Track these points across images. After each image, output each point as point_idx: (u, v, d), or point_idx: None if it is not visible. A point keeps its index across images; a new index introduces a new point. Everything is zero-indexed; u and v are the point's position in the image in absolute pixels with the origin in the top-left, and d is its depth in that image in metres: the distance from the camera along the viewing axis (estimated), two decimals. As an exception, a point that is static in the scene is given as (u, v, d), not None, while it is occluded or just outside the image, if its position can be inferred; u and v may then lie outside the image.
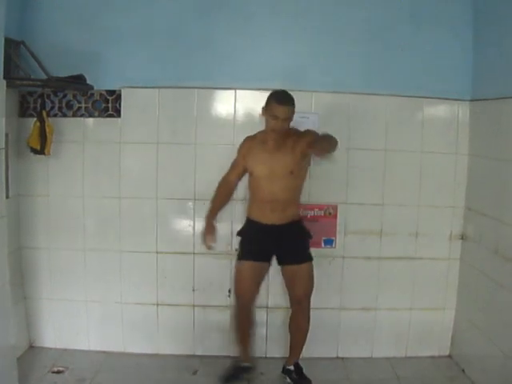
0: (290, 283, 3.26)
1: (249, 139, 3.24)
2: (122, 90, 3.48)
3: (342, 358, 3.68)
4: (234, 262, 3.32)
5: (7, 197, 3.07)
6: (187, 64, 3.48)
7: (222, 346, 3.59)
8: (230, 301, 3.51)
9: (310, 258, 3.22)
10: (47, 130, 3.28)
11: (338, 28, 3.48)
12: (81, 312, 3.64)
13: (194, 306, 3.62)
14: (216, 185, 3.26)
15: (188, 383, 3.35)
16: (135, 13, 3.44)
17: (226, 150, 3.41)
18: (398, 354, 3.70)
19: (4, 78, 2.83)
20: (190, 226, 3.56)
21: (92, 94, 3.50)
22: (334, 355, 3.68)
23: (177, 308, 3.63)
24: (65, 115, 3.51)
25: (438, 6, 3.50)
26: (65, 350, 3.63)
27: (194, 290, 3.61)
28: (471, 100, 3.53)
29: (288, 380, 3.33)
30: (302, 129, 3.18)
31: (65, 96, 3.50)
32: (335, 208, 3.58)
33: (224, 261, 3.53)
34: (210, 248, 3.20)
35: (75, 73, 3.32)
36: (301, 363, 3.33)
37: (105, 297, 3.63)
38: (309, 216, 3.55)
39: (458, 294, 3.65)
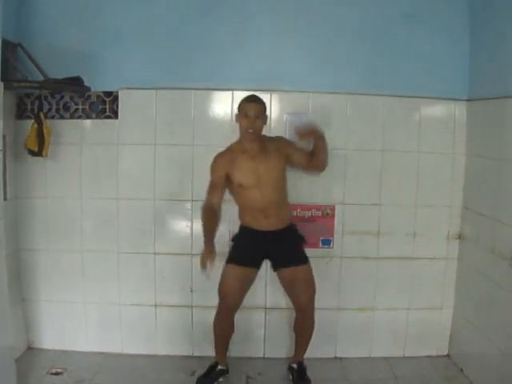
0: (290, 289, 3.26)
1: (221, 156, 3.15)
2: (120, 92, 3.49)
3: (340, 358, 3.68)
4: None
5: (5, 199, 3.08)
6: (184, 65, 3.48)
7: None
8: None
9: (307, 260, 3.22)
10: (45, 131, 3.27)
11: (335, 29, 3.48)
12: (79, 313, 3.64)
13: (192, 306, 3.62)
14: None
15: (186, 384, 3.36)
16: (132, 15, 3.45)
17: (223, 151, 3.42)
18: (396, 353, 3.70)
19: (1, 80, 2.85)
20: (187, 226, 3.57)
21: (89, 96, 3.50)
22: (332, 355, 3.69)
23: (175, 309, 3.63)
24: (62, 117, 3.51)
25: (435, 6, 3.50)
26: (63, 351, 3.63)
27: (191, 291, 3.61)
28: (468, 100, 3.53)
29: (290, 377, 3.36)
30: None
31: (62, 98, 3.51)
32: (333, 208, 3.59)
33: (222, 262, 3.51)
34: (207, 274, 3.01)
35: (72, 74, 3.33)
36: (306, 363, 3.34)
37: (103, 298, 3.63)
38: (306, 216, 3.55)
39: (455, 293, 3.65)
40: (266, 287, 3.57)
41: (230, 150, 3.18)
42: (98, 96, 3.50)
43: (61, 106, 3.51)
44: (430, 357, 3.70)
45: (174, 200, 3.56)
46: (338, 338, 3.68)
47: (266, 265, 3.35)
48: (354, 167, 3.56)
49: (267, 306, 3.63)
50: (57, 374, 3.38)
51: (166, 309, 3.63)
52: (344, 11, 3.47)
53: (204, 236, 3.07)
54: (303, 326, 3.28)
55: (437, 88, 3.53)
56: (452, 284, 3.65)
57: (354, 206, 3.59)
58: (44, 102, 3.45)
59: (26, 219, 3.56)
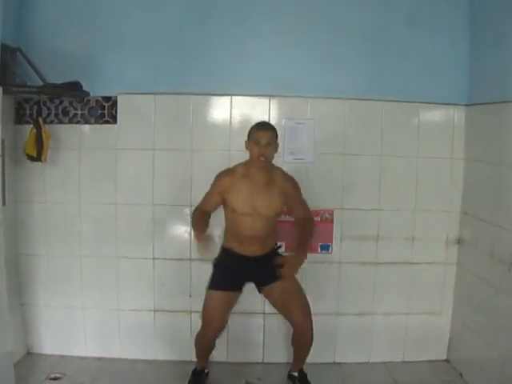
0: (281, 306, 3.22)
1: (227, 175, 3.12)
2: (118, 97, 3.49)
3: (339, 363, 3.67)
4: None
5: (4, 204, 3.08)
6: (183, 70, 3.49)
7: (218, 351, 3.57)
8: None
9: (292, 277, 3.16)
10: (44, 136, 3.27)
11: (334, 34, 3.49)
12: (78, 318, 3.63)
13: (190, 311, 3.61)
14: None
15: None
16: (131, 20, 3.46)
17: (222, 156, 3.43)
18: (395, 358, 3.70)
19: (0, 84, 2.84)
20: (186, 232, 3.56)
21: (88, 101, 3.50)
22: (331, 360, 3.68)
23: (173, 314, 3.63)
24: (61, 122, 3.51)
25: (435, 10, 3.51)
26: (62, 356, 3.63)
27: (190, 296, 3.60)
28: (467, 105, 3.53)
29: None
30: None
31: (61, 103, 3.51)
32: (331, 213, 3.59)
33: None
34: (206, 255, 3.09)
35: (71, 79, 3.33)
36: (305, 369, 3.33)
37: (102, 303, 3.62)
38: (305, 221, 3.55)
39: (454, 298, 3.65)
40: (265, 292, 3.57)
41: (235, 170, 3.13)
42: (96, 101, 3.51)
43: (60, 111, 3.52)
44: (429, 361, 3.69)
45: (173, 205, 3.56)
46: (337, 343, 3.68)
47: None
48: (353, 172, 3.56)
49: (266, 312, 3.62)
50: (56, 378, 3.38)
51: (165, 314, 3.63)
52: (343, 16, 3.48)
53: (194, 230, 3.06)
54: (301, 343, 3.24)
55: (436, 93, 3.53)
56: (451, 288, 3.65)
57: (352, 210, 3.58)
58: (43, 106, 3.45)
59: (24, 224, 3.56)
